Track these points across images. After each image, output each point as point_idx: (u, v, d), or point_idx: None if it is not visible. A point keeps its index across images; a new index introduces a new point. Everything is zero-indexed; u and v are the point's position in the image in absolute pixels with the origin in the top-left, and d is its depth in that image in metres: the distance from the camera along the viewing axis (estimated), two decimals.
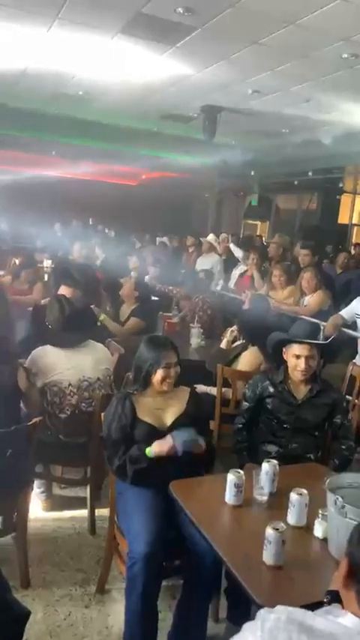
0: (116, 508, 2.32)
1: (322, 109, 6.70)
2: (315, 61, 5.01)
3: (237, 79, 5.85)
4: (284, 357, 2.66)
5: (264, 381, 2.69)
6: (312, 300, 4.73)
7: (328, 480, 1.78)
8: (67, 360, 2.86)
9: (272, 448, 2.62)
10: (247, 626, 1.06)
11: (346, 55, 4.78)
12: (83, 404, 2.85)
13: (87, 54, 5.46)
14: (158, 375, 2.29)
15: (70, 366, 2.85)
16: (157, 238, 9.54)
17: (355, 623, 0.99)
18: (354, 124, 7.28)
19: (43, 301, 4.34)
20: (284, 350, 2.66)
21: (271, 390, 2.65)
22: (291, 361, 2.61)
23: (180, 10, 4.12)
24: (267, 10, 4.05)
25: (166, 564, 2.18)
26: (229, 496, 1.95)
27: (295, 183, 10.03)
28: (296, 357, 2.58)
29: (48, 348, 2.90)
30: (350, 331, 4.28)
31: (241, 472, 1.96)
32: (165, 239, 9.58)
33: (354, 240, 12.41)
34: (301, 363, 2.56)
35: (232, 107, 6.91)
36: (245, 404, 2.75)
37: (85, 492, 2.95)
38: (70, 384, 2.82)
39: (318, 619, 1.02)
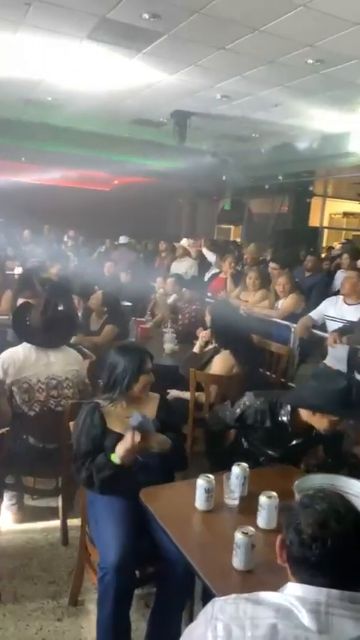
0: (87, 518, 2.28)
1: (291, 113, 6.79)
2: (281, 66, 5.08)
3: (205, 85, 5.89)
4: (301, 415, 2.27)
5: (260, 412, 2.37)
6: (286, 303, 4.77)
7: (296, 482, 1.78)
8: (38, 359, 2.86)
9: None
10: (201, 612, 1.16)
11: (311, 61, 4.86)
12: (52, 402, 2.84)
13: (54, 59, 5.42)
14: (142, 381, 2.28)
15: (41, 364, 2.85)
16: (116, 242, 9.48)
17: (291, 588, 1.09)
18: (322, 129, 7.40)
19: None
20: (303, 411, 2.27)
21: (267, 423, 2.35)
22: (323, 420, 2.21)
23: (146, 15, 4.13)
24: (232, 17, 4.09)
25: (139, 573, 2.15)
26: (200, 501, 1.94)
27: (267, 187, 10.12)
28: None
29: (22, 345, 2.89)
30: (320, 332, 4.33)
31: (211, 477, 1.95)
32: (123, 239, 9.49)
33: (325, 242, 12.60)
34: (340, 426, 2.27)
35: (201, 112, 6.95)
36: (227, 417, 2.53)
37: (58, 502, 2.90)
38: (39, 381, 2.82)
39: (268, 593, 1.11)
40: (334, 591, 1.04)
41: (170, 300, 5.39)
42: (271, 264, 5.51)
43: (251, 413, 2.38)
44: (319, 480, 1.89)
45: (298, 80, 5.48)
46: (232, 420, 2.49)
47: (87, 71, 5.75)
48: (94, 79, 6.01)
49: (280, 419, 2.32)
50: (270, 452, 2.41)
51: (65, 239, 10.84)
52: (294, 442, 2.34)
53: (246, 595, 1.12)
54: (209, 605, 1.14)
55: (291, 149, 8.22)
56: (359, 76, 5.23)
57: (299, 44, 4.54)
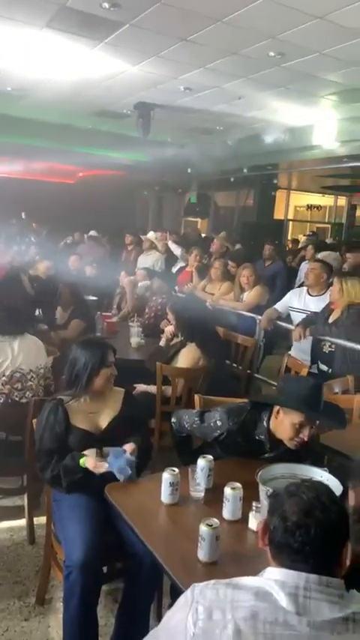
0: (53, 516, 2.25)
1: (254, 106, 6.81)
2: (244, 58, 5.08)
3: (168, 76, 5.84)
4: (275, 415, 2.12)
5: (235, 434, 2.21)
6: (251, 295, 4.81)
7: (260, 472, 1.80)
8: (1, 351, 2.83)
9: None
10: (180, 597, 1.19)
11: (273, 54, 4.87)
12: (16, 394, 2.81)
13: (13, 48, 5.28)
14: (103, 374, 2.27)
15: (4, 356, 2.82)
16: (86, 235, 9.37)
17: (271, 572, 1.13)
18: (286, 121, 7.46)
19: None
20: (277, 409, 2.12)
21: (240, 440, 2.21)
22: (286, 426, 2.07)
23: (105, 5, 4.06)
24: (193, 8, 4.06)
25: (107, 569, 2.15)
26: (165, 495, 1.94)
27: (232, 180, 10.16)
28: (298, 426, 2.04)
29: None
30: (285, 324, 4.38)
31: (176, 470, 1.95)
32: (93, 232, 9.40)
33: (290, 235, 12.76)
34: (304, 435, 2.05)
35: (165, 104, 6.90)
36: (194, 432, 2.39)
37: (23, 501, 2.86)
38: (3, 375, 2.79)
39: (247, 578, 1.15)
40: (313, 576, 1.08)
41: (139, 288, 5.36)
42: (230, 263, 5.56)
43: (224, 434, 2.22)
44: (281, 469, 1.91)
45: (260, 73, 5.49)
46: (204, 436, 2.33)
47: (48, 61, 5.62)
48: (55, 69, 5.89)
49: (256, 438, 2.19)
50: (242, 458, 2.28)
51: (36, 230, 10.64)
52: (267, 455, 2.19)
53: (225, 580, 1.16)
54: (189, 591, 1.17)
55: (255, 142, 8.25)
56: (320, 70, 5.28)
57: (261, 36, 4.54)
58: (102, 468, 2.10)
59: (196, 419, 2.34)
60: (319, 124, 7.33)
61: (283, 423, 2.07)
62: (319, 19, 4.11)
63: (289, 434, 2.06)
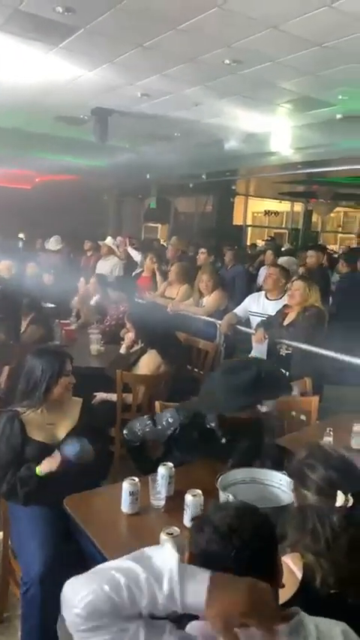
0: (9, 531, 2.18)
1: (211, 113, 6.87)
2: (200, 65, 5.11)
3: (125, 82, 5.82)
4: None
5: (185, 428, 2.30)
6: (210, 300, 4.83)
7: (220, 478, 1.80)
8: None
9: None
10: None
11: (228, 61, 4.92)
12: None
13: None
14: (62, 383, 2.22)
15: None
16: (46, 243, 9.21)
17: None
18: (243, 128, 7.55)
19: None
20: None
21: (194, 434, 2.30)
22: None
23: (59, 9, 4.00)
24: (148, 14, 4.05)
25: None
26: (125, 505, 1.91)
27: (191, 186, 10.22)
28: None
29: None
30: (244, 328, 4.42)
31: (136, 479, 1.93)
32: (53, 240, 9.24)
33: (249, 240, 12.94)
34: (254, 414, 2.25)
35: (122, 110, 6.86)
36: (148, 435, 2.40)
37: None
38: None
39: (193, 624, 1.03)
40: None
41: (93, 301, 5.30)
42: (201, 250, 5.59)
43: (177, 429, 2.30)
44: (240, 474, 1.92)
45: (217, 80, 5.54)
46: (159, 438, 2.38)
47: (2, 65, 5.51)
48: (9, 74, 5.77)
49: (207, 426, 2.28)
50: (201, 453, 2.37)
51: None
52: (224, 441, 2.29)
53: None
54: None
55: (213, 148, 8.32)
56: (276, 78, 5.37)
57: (216, 44, 4.58)
58: (56, 458, 2.04)
59: (148, 422, 2.36)
60: (275, 131, 7.46)
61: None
62: (273, 29, 4.18)
63: (250, 412, 2.24)
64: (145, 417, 2.45)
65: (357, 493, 1.40)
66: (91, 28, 4.36)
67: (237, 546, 1.03)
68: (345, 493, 1.38)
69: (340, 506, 1.38)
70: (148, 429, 2.36)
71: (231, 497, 1.66)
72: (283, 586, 1.09)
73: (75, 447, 2.04)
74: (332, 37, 4.25)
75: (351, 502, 1.38)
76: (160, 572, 0.96)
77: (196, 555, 1.06)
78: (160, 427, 2.33)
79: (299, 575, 1.33)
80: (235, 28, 4.23)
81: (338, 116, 6.37)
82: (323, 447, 1.58)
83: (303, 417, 3.36)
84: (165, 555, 1.00)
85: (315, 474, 1.47)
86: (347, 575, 1.31)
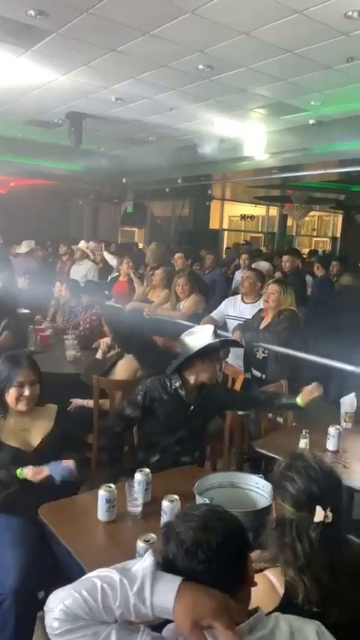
0: None
1: (186, 118, 6.90)
2: (174, 70, 5.13)
3: (99, 86, 5.80)
4: (188, 378, 2.63)
5: (155, 388, 2.63)
6: (186, 304, 4.84)
7: (196, 483, 1.79)
8: None
9: (151, 456, 2.60)
10: None
11: (201, 67, 4.96)
12: None
13: None
14: (11, 394, 2.17)
15: None
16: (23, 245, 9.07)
17: None
18: (218, 133, 7.60)
19: None
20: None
21: (164, 396, 2.60)
22: (208, 368, 2.64)
23: (32, 12, 3.98)
24: (121, 19, 4.06)
25: (44, 594, 2.05)
26: (102, 513, 1.89)
27: (167, 190, 10.23)
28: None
29: None
30: (222, 332, 4.42)
31: (112, 486, 1.91)
32: (24, 244, 9.10)
33: (225, 244, 13.01)
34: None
35: (96, 114, 6.85)
36: (127, 410, 2.66)
37: None
38: None
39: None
40: None
41: (67, 306, 5.25)
42: (177, 254, 5.61)
43: (148, 394, 2.60)
44: (217, 478, 1.92)
45: (190, 85, 5.57)
46: (135, 409, 2.62)
47: None
48: None
49: (172, 388, 2.59)
50: (175, 435, 2.54)
51: None
52: (192, 408, 2.60)
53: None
54: None
55: (188, 153, 8.35)
56: (248, 84, 5.43)
57: (189, 50, 4.61)
58: (42, 473, 2.02)
59: (125, 403, 2.71)
60: (249, 136, 7.53)
61: (205, 368, 2.59)
62: (245, 35, 4.22)
63: (210, 372, 2.61)
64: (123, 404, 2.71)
65: (337, 509, 1.37)
66: (64, 32, 4.34)
67: (202, 561, 1.01)
68: (324, 508, 1.34)
69: (318, 522, 1.34)
70: (127, 407, 2.64)
71: (207, 502, 1.65)
72: (256, 584, 1.09)
73: (65, 470, 2.03)
74: (303, 45, 4.32)
75: (330, 518, 1.34)
76: (134, 575, 1.00)
77: (164, 567, 1.04)
78: (137, 397, 2.63)
79: (281, 591, 1.30)
80: (208, 34, 4.26)
81: (311, 121, 6.46)
82: (305, 457, 1.51)
83: (280, 420, 3.38)
84: (143, 563, 1.02)
85: (294, 487, 1.42)
86: (331, 593, 1.28)
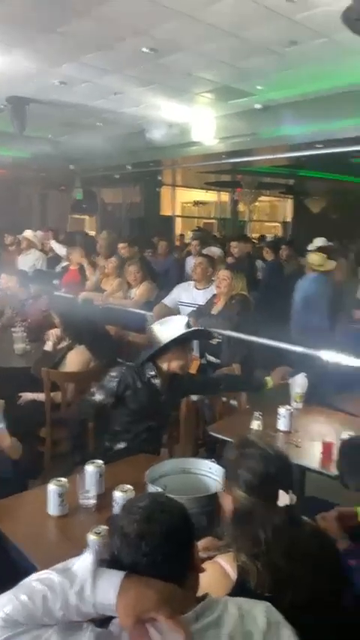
0: None
1: (132, 102, 6.77)
2: (117, 53, 5.00)
3: (41, 69, 5.60)
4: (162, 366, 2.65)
5: (130, 376, 2.60)
6: (138, 292, 4.80)
7: (147, 472, 1.78)
8: None
9: (117, 443, 2.58)
10: None
11: (146, 49, 4.85)
12: None
13: None
14: None
15: None
16: None
17: None
18: (166, 118, 7.51)
19: None
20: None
21: (138, 385, 2.59)
22: (179, 356, 2.66)
23: None
24: None
25: None
26: (53, 507, 1.85)
27: (117, 177, 10.07)
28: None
29: None
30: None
31: (63, 480, 1.87)
32: None
33: (180, 230, 12.98)
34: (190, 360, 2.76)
35: (40, 98, 6.61)
36: (99, 397, 2.61)
37: None
38: None
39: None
40: None
41: (14, 298, 5.10)
42: (121, 244, 5.54)
43: (122, 381, 2.57)
44: (169, 465, 1.91)
45: (135, 68, 5.45)
46: (109, 396, 2.58)
47: None
48: None
49: (147, 377, 2.59)
50: (145, 424, 2.58)
51: None
52: (163, 397, 2.62)
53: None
54: None
55: (137, 138, 8.22)
56: (194, 68, 5.36)
57: (133, 32, 4.50)
58: None
59: (94, 390, 2.64)
60: (198, 121, 7.48)
61: (178, 357, 2.62)
62: (188, 17, 4.16)
63: (182, 361, 2.64)
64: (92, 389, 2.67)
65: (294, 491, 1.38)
66: (1, 12, 4.16)
67: (147, 553, 1.00)
68: (286, 491, 1.35)
69: (282, 507, 1.35)
70: (98, 392, 2.59)
71: (158, 490, 1.64)
72: (203, 570, 1.09)
73: None
74: (247, 28, 4.29)
75: (294, 499, 1.36)
76: (74, 575, 0.98)
77: (109, 561, 1.02)
78: (106, 383, 2.59)
79: (234, 576, 1.29)
80: (151, 15, 4.17)
81: (258, 106, 6.47)
82: (256, 443, 1.51)
83: (234, 402, 3.41)
84: (84, 561, 1.00)
85: (251, 475, 1.41)
86: (285, 577, 1.27)
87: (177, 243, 9.91)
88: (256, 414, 2.76)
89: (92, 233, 11.67)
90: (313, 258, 5.20)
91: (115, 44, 4.81)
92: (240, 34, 4.41)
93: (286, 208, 15.36)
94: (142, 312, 4.58)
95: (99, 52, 5.05)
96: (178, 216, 13.68)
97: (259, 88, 5.94)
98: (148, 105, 6.88)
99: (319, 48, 4.55)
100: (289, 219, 15.11)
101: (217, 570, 1.26)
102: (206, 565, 1.24)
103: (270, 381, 3.02)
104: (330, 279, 5.12)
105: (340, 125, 5.99)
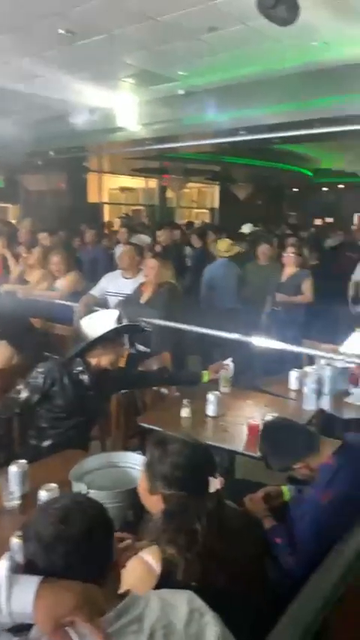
0: None
1: (52, 87, 6.55)
2: (33, 34, 4.80)
3: None
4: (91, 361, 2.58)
5: (56, 371, 2.50)
6: (64, 283, 4.67)
7: (72, 471, 1.74)
8: None
9: (44, 440, 2.51)
10: None
11: (62, 31, 4.70)
12: None
13: None
14: None
15: None
16: None
17: None
18: (89, 103, 7.32)
19: None
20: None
21: (65, 380, 2.50)
22: (108, 352, 2.59)
23: None
24: None
25: None
26: None
27: (40, 163, 9.73)
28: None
29: None
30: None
31: None
32: None
33: (108, 217, 12.78)
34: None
35: None
36: (25, 394, 2.50)
37: None
38: None
39: None
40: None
41: None
42: (41, 235, 5.38)
43: (48, 377, 2.48)
44: (95, 460, 1.88)
45: (53, 51, 5.27)
46: (35, 392, 2.48)
47: None
48: None
49: (74, 372, 2.51)
50: (72, 420, 2.51)
51: None
52: (92, 393, 2.54)
53: None
54: None
55: (59, 124, 7.95)
56: (114, 51, 5.24)
57: (47, 12, 4.34)
58: None
59: (20, 387, 2.51)
60: (121, 107, 7.35)
61: (108, 352, 2.56)
62: None
63: (113, 356, 2.59)
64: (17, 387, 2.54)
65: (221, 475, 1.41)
66: None
67: (63, 555, 0.98)
68: (215, 477, 1.37)
69: (212, 492, 1.36)
70: (23, 389, 2.48)
71: (84, 487, 1.61)
72: (123, 566, 1.09)
73: None
74: (166, 11, 4.25)
75: (223, 482, 1.38)
76: None
77: (25, 566, 0.99)
78: (32, 380, 2.48)
79: (158, 569, 1.28)
80: None
81: (180, 91, 6.45)
82: (173, 438, 1.49)
83: (164, 391, 3.42)
84: None
85: (178, 471, 1.40)
86: (217, 561, 1.29)
87: (106, 231, 9.75)
88: (185, 401, 2.79)
89: (15, 222, 11.23)
90: (220, 245, 5.55)
91: (30, 25, 4.61)
92: (158, 18, 4.36)
93: (214, 195, 15.52)
94: (70, 303, 4.47)
95: (12, 34, 4.83)
96: (106, 203, 13.46)
97: (180, 73, 5.92)
98: (69, 89, 6.68)
99: (237, 34, 4.59)
100: (216, 205, 15.28)
101: (141, 566, 1.26)
102: (129, 562, 1.23)
103: (206, 374, 3.04)
104: (235, 263, 5.53)
105: (261, 112, 6.10)
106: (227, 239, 5.76)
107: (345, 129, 5.58)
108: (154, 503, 1.43)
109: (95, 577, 1.00)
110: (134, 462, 1.87)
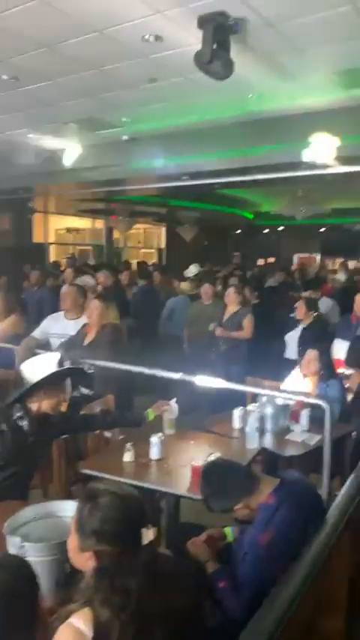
0: None
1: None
2: None
3: None
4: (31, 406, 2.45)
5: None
6: (3, 325, 4.56)
7: (6, 523, 1.66)
8: None
9: None
10: None
11: (6, 77, 4.77)
12: None
13: None
14: None
15: None
16: None
17: None
18: (37, 144, 7.37)
19: None
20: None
21: (4, 427, 2.38)
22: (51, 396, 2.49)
23: None
24: None
25: None
26: None
27: None
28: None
29: None
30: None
31: None
32: None
33: (54, 258, 12.71)
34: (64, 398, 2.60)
35: None
36: None
37: None
38: None
39: None
40: None
41: None
42: None
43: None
44: (32, 511, 1.81)
45: None
46: None
47: None
48: None
49: (14, 418, 2.39)
50: (10, 469, 2.37)
51: None
52: (32, 439, 2.41)
53: None
54: None
55: (4, 165, 7.97)
56: (57, 97, 5.35)
57: None
58: None
59: None
60: (67, 150, 7.45)
61: (49, 397, 2.46)
62: (48, 48, 4.16)
63: (54, 400, 2.48)
64: None
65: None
66: None
67: None
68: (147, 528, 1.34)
69: (146, 544, 1.33)
70: None
71: (18, 543, 1.54)
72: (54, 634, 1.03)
73: None
74: (107, 63, 4.40)
75: (155, 533, 1.35)
76: None
77: None
78: None
79: (90, 635, 1.19)
80: (10, 44, 4.11)
81: (124, 137, 6.62)
82: (103, 490, 1.45)
83: (108, 434, 3.36)
84: None
85: (106, 526, 1.36)
86: (154, 619, 1.22)
87: (52, 271, 9.68)
88: (128, 445, 2.75)
89: None
90: (184, 285, 5.67)
91: None
92: (101, 68, 4.51)
93: (160, 236, 15.81)
94: (9, 346, 4.35)
95: None
96: (52, 243, 13.41)
97: (124, 120, 6.10)
98: (14, 132, 6.73)
99: (177, 85, 4.81)
100: (163, 245, 15.55)
101: (71, 632, 1.17)
102: (59, 629, 1.16)
103: (151, 413, 2.99)
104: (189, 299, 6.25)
105: (202, 159, 6.35)
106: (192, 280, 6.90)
107: (279, 176, 5.89)
108: (85, 562, 1.37)
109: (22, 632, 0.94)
110: (70, 513, 1.81)
